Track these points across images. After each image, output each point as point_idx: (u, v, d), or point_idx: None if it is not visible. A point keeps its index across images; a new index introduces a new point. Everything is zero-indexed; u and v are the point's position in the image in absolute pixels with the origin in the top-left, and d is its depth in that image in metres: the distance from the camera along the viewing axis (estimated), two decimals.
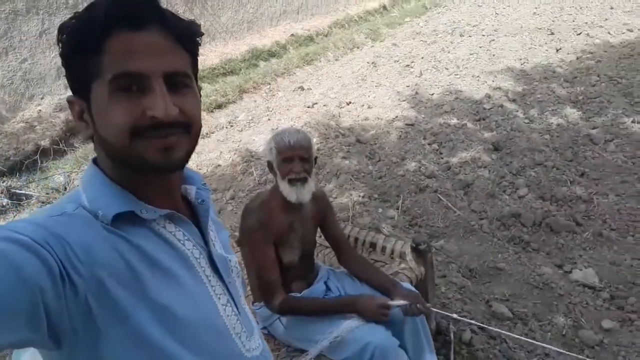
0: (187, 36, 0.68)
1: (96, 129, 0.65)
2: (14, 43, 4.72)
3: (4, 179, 4.10)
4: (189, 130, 0.67)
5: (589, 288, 2.35)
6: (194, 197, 0.78)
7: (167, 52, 0.64)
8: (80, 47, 0.62)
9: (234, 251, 0.88)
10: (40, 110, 4.94)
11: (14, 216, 3.76)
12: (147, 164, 0.64)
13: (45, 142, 4.66)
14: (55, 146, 4.55)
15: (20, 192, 3.87)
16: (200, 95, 0.73)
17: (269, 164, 1.68)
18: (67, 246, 0.56)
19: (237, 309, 0.78)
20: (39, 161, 4.34)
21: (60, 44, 0.63)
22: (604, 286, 2.35)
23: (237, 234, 1.84)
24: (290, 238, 1.72)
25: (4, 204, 3.75)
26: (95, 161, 0.71)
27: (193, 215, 0.79)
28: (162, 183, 0.71)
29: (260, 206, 1.69)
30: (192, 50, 0.70)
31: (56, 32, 0.64)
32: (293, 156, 1.58)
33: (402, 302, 1.64)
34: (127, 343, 0.61)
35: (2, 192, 3.77)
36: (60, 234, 0.56)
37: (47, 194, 3.90)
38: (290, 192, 1.61)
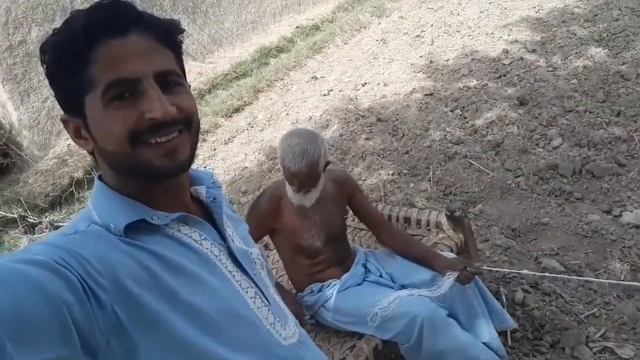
0: (169, 35, 0.68)
1: (96, 142, 0.65)
2: (33, 84, 4.90)
3: (46, 214, 4.27)
4: (189, 126, 0.66)
5: None
6: (205, 196, 0.78)
7: (152, 53, 0.64)
8: (66, 63, 0.61)
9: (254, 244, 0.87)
10: (69, 144, 5.11)
11: None
12: (154, 169, 0.63)
13: (78, 174, 4.81)
14: (87, 175, 4.70)
15: (63, 224, 4.02)
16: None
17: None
18: (84, 261, 0.55)
19: (267, 299, 0.77)
20: (75, 192, 4.49)
21: (44, 65, 0.62)
22: None
23: None
24: (305, 223, 1.72)
25: None
26: (100, 177, 0.71)
27: (207, 215, 0.78)
28: (169, 187, 0.70)
29: (274, 191, 1.74)
30: (175, 48, 0.69)
31: (38, 53, 0.63)
32: (294, 179, 1.59)
33: (453, 274, 1.60)
34: (163, 349, 0.60)
35: (46, 227, 3.93)
36: (77, 251, 0.56)
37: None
38: (292, 197, 1.67)
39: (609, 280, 1.59)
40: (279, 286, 1.78)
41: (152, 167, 0.63)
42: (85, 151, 0.69)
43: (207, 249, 0.71)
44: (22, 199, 4.38)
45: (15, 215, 4.06)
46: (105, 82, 0.60)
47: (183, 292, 0.63)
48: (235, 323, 0.68)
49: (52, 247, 0.56)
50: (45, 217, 4.13)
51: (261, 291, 0.76)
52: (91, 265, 0.56)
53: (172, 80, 0.65)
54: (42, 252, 0.54)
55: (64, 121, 0.67)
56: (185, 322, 0.62)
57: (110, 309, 0.56)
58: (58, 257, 0.53)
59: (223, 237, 0.76)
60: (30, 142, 5.08)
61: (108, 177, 0.69)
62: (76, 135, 0.67)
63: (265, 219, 1.73)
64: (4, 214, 4.13)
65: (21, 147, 5.12)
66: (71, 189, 4.54)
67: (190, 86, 0.72)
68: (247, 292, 0.73)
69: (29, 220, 4.05)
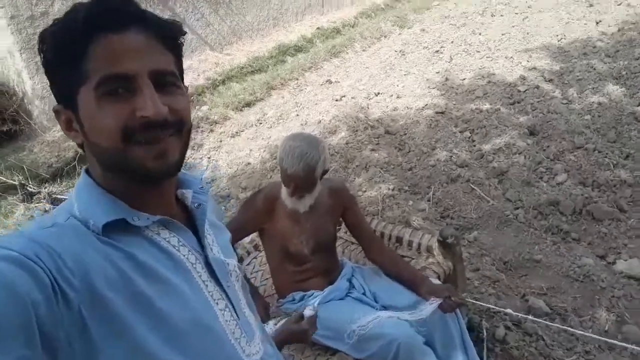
0: (169, 35, 0.67)
1: (86, 136, 0.64)
2: None
3: (46, 185, 4.29)
4: (180, 130, 0.66)
5: (634, 280, 2.20)
6: (191, 201, 0.77)
7: (150, 51, 0.63)
8: (62, 55, 0.61)
9: (235, 255, 0.86)
10: None
11: None
12: (145, 170, 0.63)
13: None
14: None
15: (61, 197, 4.04)
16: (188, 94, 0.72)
17: None
18: (57, 258, 0.55)
19: (237, 313, 0.76)
20: (77, 167, 4.51)
21: (41, 54, 0.62)
22: None
23: None
24: (296, 228, 1.73)
25: (47, 208, 3.93)
26: (87, 171, 0.70)
27: (190, 220, 0.77)
28: (154, 189, 0.70)
29: (270, 191, 1.75)
30: (175, 50, 0.69)
31: (37, 41, 0.63)
32: (290, 182, 1.61)
33: (436, 301, 1.59)
34: (124, 355, 0.59)
35: (44, 198, 3.95)
36: (51, 246, 0.55)
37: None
38: (286, 200, 1.67)
39: (588, 334, 1.57)
40: (254, 292, 1.78)
41: (143, 167, 0.63)
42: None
43: (184, 255, 0.70)
44: (24, 167, 4.40)
45: (16, 183, 4.08)
46: (100, 76, 0.60)
47: (153, 298, 0.62)
48: (200, 334, 0.67)
49: (28, 240, 0.55)
50: (45, 188, 4.14)
51: (232, 304, 0.75)
52: (64, 263, 0.55)
53: (168, 81, 0.65)
54: (17, 246, 0.53)
55: (56, 111, 0.67)
56: (149, 329, 0.61)
57: (77, 308, 0.55)
58: (32, 252, 0.53)
59: (202, 245, 0.75)
60: (40, 112, 5.11)
61: (94, 171, 0.68)
62: (67, 127, 0.66)
63: (258, 216, 1.74)
64: (4, 179, 4.15)
65: (31, 116, 5.16)
66: (74, 163, 4.56)
67: (187, 88, 0.72)
68: (217, 303, 0.72)
69: (28, 189, 4.07)
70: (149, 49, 0.63)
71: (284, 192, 1.68)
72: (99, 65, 0.60)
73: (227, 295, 0.75)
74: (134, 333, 0.59)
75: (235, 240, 1.77)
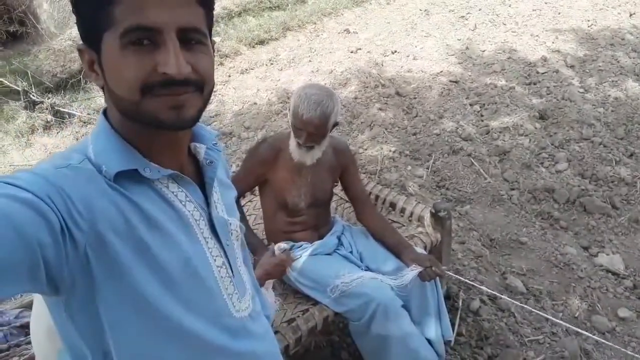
0: None
1: (106, 81, 0.64)
2: None
3: (49, 95, 4.25)
4: (201, 89, 0.65)
5: (612, 274, 2.28)
6: (203, 157, 0.78)
7: (182, 5, 0.61)
8: None
9: (237, 212, 0.89)
10: None
11: (57, 133, 3.93)
12: (158, 121, 0.63)
13: None
14: None
15: (64, 110, 4.01)
16: (214, 51, 0.70)
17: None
18: (68, 200, 0.57)
19: (232, 271, 0.79)
20: (82, 81, 4.44)
21: None
22: (629, 274, 2.28)
23: None
24: (295, 181, 1.75)
25: (49, 120, 3.91)
26: (105, 113, 0.71)
27: (199, 174, 0.78)
28: (169, 140, 0.71)
29: (275, 142, 1.77)
30: (207, 4, 0.66)
31: None
32: (303, 129, 1.60)
33: (417, 268, 1.65)
34: (121, 297, 0.63)
35: (47, 109, 3.92)
36: (63, 188, 0.57)
37: (89, 114, 4.03)
38: (294, 152, 1.67)
39: (552, 318, 1.65)
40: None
41: (157, 118, 0.63)
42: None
43: (189, 211, 0.72)
44: (29, 72, 4.34)
45: (19, 88, 4.03)
46: (127, 25, 0.59)
47: (153, 246, 0.65)
48: (195, 286, 0.71)
49: (41, 179, 0.57)
50: (48, 98, 4.10)
51: (229, 262, 0.79)
52: (74, 206, 0.57)
53: (194, 38, 0.63)
54: (30, 185, 0.54)
55: (79, 50, 0.66)
56: (147, 273, 0.64)
57: (83, 250, 0.58)
58: (45, 194, 0.55)
59: (207, 202, 0.77)
60: (48, 17, 4.96)
61: (112, 115, 0.69)
62: (89, 68, 0.66)
63: (261, 166, 1.76)
64: (8, 84, 4.10)
65: (39, 19, 5.01)
66: (79, 77, 4.49)
67: (214, 43, 0.71)
68: (215, 260, 0.75)
69: (31, 96, 4.03)
70: (180, 3, 0.61)
71: (292, 143, 1.67)
72: (127, 12, 0.59)
73: (225, 253, 0.78)
74: (133, 275, 0.63)
75: (241, 191, 1.79)
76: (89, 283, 0.60)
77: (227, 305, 0.76)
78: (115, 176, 0.64)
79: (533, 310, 1.70)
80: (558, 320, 1.71)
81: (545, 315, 1.79)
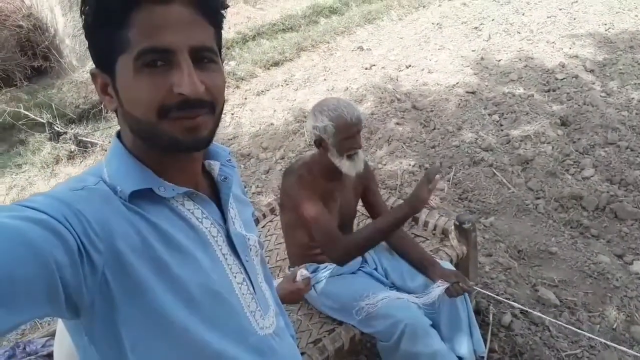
0: (213, 8, 0.66)
1: (121, 103, 0.65)
2: None
3: (73, 126, 4.36)
4: (213, 109, 0.66)
5: None
6: (217, 173, 0.78)
7: (193, 26, 0.62)
8: (105, 20, 0.60)
9: (256, 229, 0.87)
10: None
11: (81, 162, 4.02)
12: (176, 143, 0.63)
13: None
14: None
15: (87, 139, 4.11)
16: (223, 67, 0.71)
17: (318, 142, 1.62)
18: (85, 222, 0.56)
19: (253, 287, 0.78)
20: (103, 110, 4.56)
21: (83, 15, 0.61)
22: None
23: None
24: (330, 206, 1.70)
25: (72, 149, 4.01)
26: (119, 135, 0.71)
27: (214, 191, 0.78)
28: (183, 160, 0.71)
29: (303, 167, 1.70)
30: (217, 23, 0.67)
31: (79, 2, 0.62)
32: (353, 132, 1.56)
33: (443, 284, 1.60)
34: (143, 316, 0.62)
35: (70, 139, 4.02)
36: (79, 209, 0.57)
37: (110, 142, 4.11)
38: (349, 168, 1.61)
39: (588, 334, 1.56)
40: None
41: (173, 140, 0.63)
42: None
43: (207, 228, 0.72)
44: (53, 105, 4.47)
45: (44, 121, 4.16)
46: (141, 48, 0.59)
47: (172, 264, 0.64)
48: (217, 304, 0.69)
49: (57, 202, 0.56)
50: (71, 129, 4.21)
51: (249, 278, 0.77)
52: (91, 227, 0.57)
53: (206, 57, 0.64)
54: (45, 207, 0.54)
55: (92, 74, 0.67)
56: (169, 293, 0.63)
57: (101, 271, 0.57)
58: (61, 215, 0.54)
59: (224, 219, 0.76)
60: (70, 51, 5.13)
61: (126, 137, 0.69)
62: (102, 92, 0.67)
63: (310, 187, 1.64)
64: (33, 116, 4.23)
65: (62, 54, 5.19)
66: (100, 107, 4.61)
67: (223, 60, 0.71)
68: (235, 277, 0.74)
69: (55, 128, 4.15)
70: (191, 23, 0.62)
71: (341, 163, 1.61)
72: (140, 36, 0.59)
73: (245, 269, 0.77)
74: (153, 295, 0.62)
75: (331, 223, 1.63)
76: (108, 305, 0.59)
77: (250, 323, 0.75)
78: (130, 196, 0.64)
79: (566, 326, 1.62)
80: (592, 336, 1.63)
81: (578, 330, 1.70)
